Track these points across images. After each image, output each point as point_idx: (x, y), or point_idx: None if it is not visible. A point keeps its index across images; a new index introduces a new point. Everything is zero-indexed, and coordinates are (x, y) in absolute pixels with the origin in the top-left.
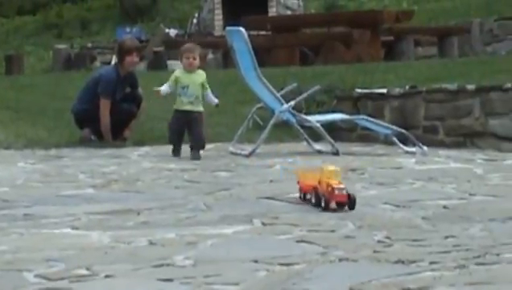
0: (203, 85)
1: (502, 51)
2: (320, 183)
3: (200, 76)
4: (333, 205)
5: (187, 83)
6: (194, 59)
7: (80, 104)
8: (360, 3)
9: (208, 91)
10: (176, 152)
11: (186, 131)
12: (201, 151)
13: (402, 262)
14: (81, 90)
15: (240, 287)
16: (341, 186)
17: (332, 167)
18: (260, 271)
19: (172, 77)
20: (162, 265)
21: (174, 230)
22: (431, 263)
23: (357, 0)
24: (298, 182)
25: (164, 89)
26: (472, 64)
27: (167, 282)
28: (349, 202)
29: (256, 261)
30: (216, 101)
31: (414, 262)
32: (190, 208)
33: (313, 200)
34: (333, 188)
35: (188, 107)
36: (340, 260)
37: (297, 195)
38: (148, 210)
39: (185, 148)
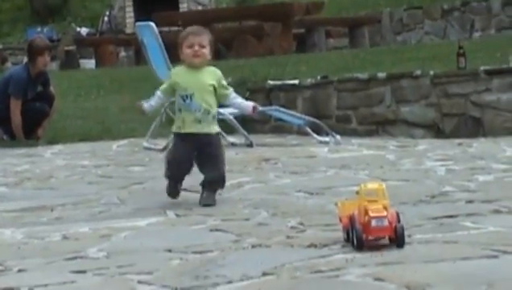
0: (216, 89)
1: (412, 40)
2: (358, 208)
3: (212, 74)
4: (370, 241)
5: (191, 89)
6: (202, 46)
7: None
8: None
9: (232, 93)
10: (173, 192)
11: (195, 162)
12: (218, 192)
13: (315, 246)
14: None
15: (153, 275)
16: (382, 214)
17: (372, 185)
18: (173, 260)
19: (169, 80)
20: (75, 258)
21: (87, 225)
22: (344, 246)
23: None
24: (340, 219)
25: (153, 103)
26: (382, 53)
27: (80, 273)
28: (395, 237)
29: (170, 250)
30: (250, 105)
31: (326, 245)
32: (103, 202)
33: (345, 235)
34: (370, 218)
35: (195, 128)
36: (254, 247)
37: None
38: (61, 206)
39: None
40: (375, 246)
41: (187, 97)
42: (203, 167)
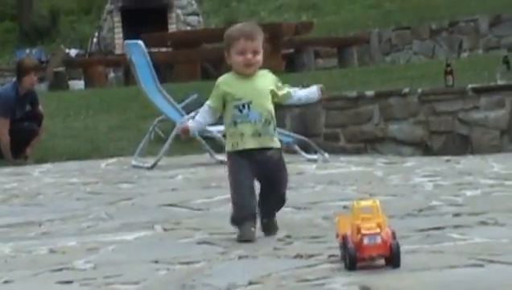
0: (275, 93)
1: (401, 60)
2: (351, 227)
3: (266, 77)
4: (364, 261)
5: (248, 97)
6: (255, 53)
7: None
8: (260, 18)
9: (292, 89)
10: (250, 230)
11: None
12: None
13: (301, 256)
14: None
15: (140, 285)
16: (375, 231)
17: (365, 202)
18: (160, 271)
19: (216, 91)
20: (62, 269)
21: (75, 239)
22: (330, 256)
23: (256, 15)
24: (337, 235)
25: (200, 119)
26: (371, 72)
27: (66, 284)
28: (390, 256)
29: (156, 261)
30: (316, 89)
31: (312, 256)
32: (91, 217)
33: (342, 252)
34: (362, 236)
35: (255, 142)
36: (240, 258)
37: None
38: (49, 221)
39: None
40: (369, 266)
41: (243, 106)
42: (263, 191)
